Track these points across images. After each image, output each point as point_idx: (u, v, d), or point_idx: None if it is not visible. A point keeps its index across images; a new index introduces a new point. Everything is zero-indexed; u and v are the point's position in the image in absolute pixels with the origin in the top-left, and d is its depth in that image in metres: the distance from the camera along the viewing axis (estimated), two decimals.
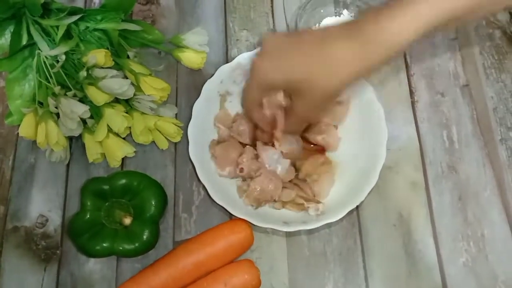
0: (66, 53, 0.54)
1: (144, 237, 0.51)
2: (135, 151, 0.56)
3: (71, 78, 0.54)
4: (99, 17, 0.58)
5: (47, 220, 0.55)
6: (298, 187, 0.54)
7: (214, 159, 0.55)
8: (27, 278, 0.53)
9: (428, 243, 0.54)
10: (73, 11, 0.56)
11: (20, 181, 0.57)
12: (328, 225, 0.54)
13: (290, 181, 0.55)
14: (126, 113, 0.55)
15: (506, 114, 0.60)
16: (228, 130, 0.56)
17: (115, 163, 0.56)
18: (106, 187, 0.52)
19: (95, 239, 0.51)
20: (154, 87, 0.55)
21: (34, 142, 0.54)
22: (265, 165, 0.54)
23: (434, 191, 0.56)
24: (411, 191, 0.56)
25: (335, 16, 0.64)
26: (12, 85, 0.56)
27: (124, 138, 0.56)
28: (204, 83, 0.58)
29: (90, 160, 0.55)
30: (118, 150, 0.55)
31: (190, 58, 0.61)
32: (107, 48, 0.57)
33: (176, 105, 0.60)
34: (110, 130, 0.54)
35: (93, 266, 0.53)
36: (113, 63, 0.55)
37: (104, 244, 0.51)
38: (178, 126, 0.57)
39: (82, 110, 0.52)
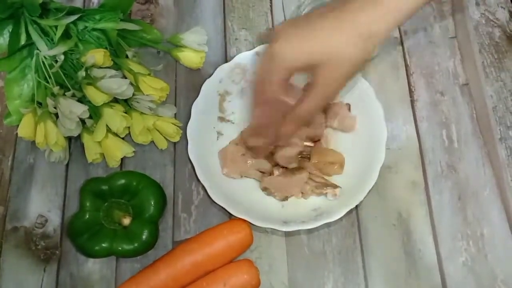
0: (64, 53, 0.54)
1: (143, 237, 0.51)
2: (134, 151, 0.56)
3: (70, 78, 0.54)
4: (97, 17, 0.58)
5: (46, 221, 0.55)
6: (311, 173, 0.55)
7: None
8: (27, 278, 0.53)
9: (427, 243, 0.54)
10: (71, 11, 0.56)
11: (19, 182, 0.57)
12: (328, 225, 0.54)
13: (301, 168, 0.55)
14: (125, 113, 0.55)
15: (506, 113, 0.60)
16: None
17: (114, 163, 0.56)
18: (105, 187, 0.52)
19: (94, 239, 0.51)
20: (153, 87, 0.55)
21: (33, 142, 0.54)
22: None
23: (433, 191, 0.56)
24: (411, 191, 0.56)
25: None
26: (10, 85, 0.56)
27: (123, 138, 0.56)
28: (203, 83, 0.58)
29: (89, 160, 0.55)
30: (117, 150, 0.55)
31: (189, 57, 0.61)
32: (106, 48, 0.56)
33: (175, 105, 0.60)
34: (109, 130, 0.54)
35: (93, 266, 0.53)
36: (111, 63, 0.55)
37: (103, 244, 0.51)
38: (177, 126, 0.57)
39: (81, 110, 0.52)
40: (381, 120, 0.56)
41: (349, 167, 0.56)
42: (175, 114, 0.59)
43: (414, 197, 0.56)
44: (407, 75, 0.62)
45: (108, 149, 0.55)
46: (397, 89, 0.61)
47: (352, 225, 0.55)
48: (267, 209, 0.54)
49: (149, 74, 0.57)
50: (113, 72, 0.54)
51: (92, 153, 0.55)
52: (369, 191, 0.53)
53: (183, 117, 0.58)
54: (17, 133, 0.54)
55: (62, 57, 0.54)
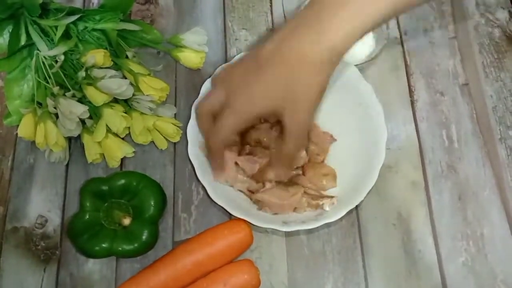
0: (64, 53, 0.54)
1: (143, 237, 0.51)
2: (134, 151, 0.56)
3: (70, 78, 0.54)
4: (97, 17, 0.58)
5: (46, 221, 0.55)
6: (304, 187, 0.54)
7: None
8: (27, 278, 0.53)
9: (427, 243, 0.54)
10: (71, 11, 0.56)
11: (19, 182, 0.57)
12: (328, 225, 0.54)
13: (295, 183, 0.55)
14: (125, 113, 0.55)
15: (506, 113, 0.60)
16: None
17: (114, 164, 0.56)
18: (105, 187, 0.52)
19: (94, 240, 0.51)
20: (153, 87, 0.55)
21: (33, 142, 0.54)
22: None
23: (433, 191, 0.56)
24: (411, 191, 0.56)
25: None
26: (10, 86, 0.56)
27: (123, 138, 0.56)
28: (203, 83, 0.58)
29: (89, 161, 0.55)
30: (117, 150, 0.55)
31: (189, 58, 0.61)
32: (106, 48, 0.56)
33: (175, 105, 0.60)
34: (109, 130, 0.54)
35: (93, 266, 0.53)
36: (111, 63, 0.55)
37: (103, 245, 0.51)
38: (177, 126, 0.57)
39: (81, 110, 0.52)
40: (381, 120, 0.56)
41: (349, 167, 0.55)
42: (175, 114, 0.59)
43: (414, 197, 0.56)
44: (407, 75, 0.62)
45: (108, 149, 0.55)
46: (397, 89, 0.61)
47: (352, 225, 0.55)
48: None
49: (149, 75, 0.57)
50: (113, 72, 0.54)
51: (92, 153, 0.55)
52: (369, 191, 0.53)
53: (183, 118, 0.58)
54: (17, 133, 0.54)
55: (62, 57, 0.54)
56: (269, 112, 0.47)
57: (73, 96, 0.53)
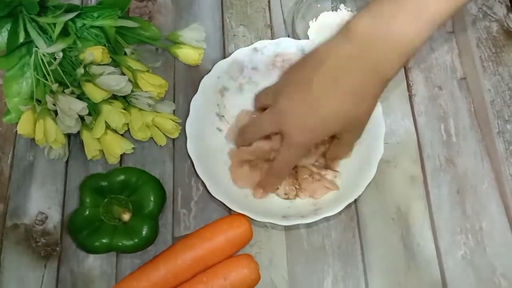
0: (63, 51, 0.54)
1: (143, 233, 0.51)
2: (133, 148, 0.56)
3: (69, 75, 0.54)
4: (95, 14, 0.58)
5: (46, 217, 0.55)
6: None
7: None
8: (27, 275, 0.53)
9: (426, 237, 0.54)
10: (69, 9, 0.56)
11: (19, 179, 0.57)
12: (327, 219, 0.54)
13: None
14: (124, 109, 0.55)
15: (504, 107, 0.60)
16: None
17: (114, 160, 0.56)
18: (104, 183, 0.52)
19: (94, 236, 0.51)
20: (152, 84, 0.55)
21: (33, 139, 0.54)
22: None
23: (432, 185, 0.56)
24: (409, 185, 0.56)
25: (332, 10, 0.64)
26: (9, 83, 0.56)
27: (122, 135, 0.56)
28: (202, 79, 0.58)
29: (89, 157, 0.56)
30: (116, 147, 0.55)
31: (187, 54, 0.61)
32: (104, 45, 0.57)
33: (174, 101, 0.60)
34: (108, 127, 0.54)
35: (93, 262, 0.53)
36: (110, 60, 0.55)
37: (104, 240, 0.51)
38: (176, 122, 0.57)
39: (80, 107, 0.52)
40: (380, 114, 0.56)
41: (347, 162, 0.56)
42: (174, 110, 0.59)
43: (413, 191, 0.56)
44: (405, 69, 0.62)
45: (107, 145, 0.55)
46: (395, 83, 0.61)
47: (351, 219, 0.55)
48: (267, 204, 0.54)
49: (147, 71, 0.57)
50: (111, 69, 0.54)
51: (91, 149, 0.55)
52: (368, 185, 0.53)
53: (182, 114, 0.58)
54: (16, 131, 0.54)
55: (61, 54, 0.54)
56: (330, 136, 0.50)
57: (72, 93, 0.53)
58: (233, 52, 0.59)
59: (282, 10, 0.65)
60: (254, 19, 0.65)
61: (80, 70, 0.53)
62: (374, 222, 0.55)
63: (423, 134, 0.59)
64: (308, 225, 0.54)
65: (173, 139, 0.58)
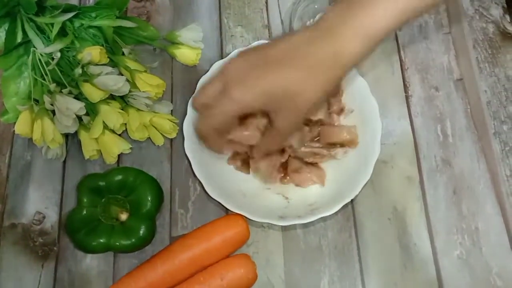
0: (61, 51, 0.54)
1: (141, 232, 0.51)
2: (131, 148, 0.56)
3: (67, 75, 0.54)
4: (93, 14, 0.58)
5: (44, 217, 0.55)
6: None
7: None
8: (25, 274, 0.53)
9: (422, 237, 0.54)
10: (67, 9, 0.56)
11: (17, 179, 0.57)
12: (323, 219, 0.54)
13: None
14: (122, 109, 0.55)
15: (500, 107, 0.60)
16: None
17: (111, 160, 0.56)
18: (102, 183, 0.53)
19: (91, 235, 0.51)
20: (149, 84, 0.56)
21: (30, 139, 0.55)
22: None
23: (428, 185, 0.57)
24: (406, 185, 0.57)
25: None
26: (7, 83, 0.56)
27: (120, 135, 0.57)
28: (199, 79, 0.58)
29: (86, 157, 0.56)
30: (114, 147, 0.55)
31: (185, 54, 0.61)
32: (102, 45, 0.57)
33: (172, 102, 0.60)
34: (105, 126, 0.55)
35: (90, 262, 0.53)
36: (108, 60, 0.55)
37: (101, 240, 0.51)
38: (173, 122, 0.57)
39: (78, 107, 0.52)
40: (376, 115, 0.56)
41: (344, 162, 0.56)
42: (171, 110, 0.59)
43: (409, 191, 0.56)
44: (401, 70, 0.62)
45: (105, 145, 0.55)
46: (392, 84, 0.61)
47: (348, 219, 0.55)
48: (264, 204, 0.54)
49: (145, 71, 0.57)
50: (109, 69, 0.54)
51: (89, 149, 0.55)
52: (364, 185, 0.53)
53: (180, 114, 0.58)
54: (14, 131, 0.55)
55: (59, 54, 0.54)
56: (262, 108, 0.47)
57: (70, 93, 0.54)
58: (230, 52, 0.59)
59: (279, 11, 0.65)
60: (251, 19, 0.65)
61: (78, 70, 0.53)
62: (370, 222, 0.55)
63: (419, 134, 0.59)
64: (305, 225, 0.55)
65: (171, 139, 0.58)
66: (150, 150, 0.58)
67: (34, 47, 0.55)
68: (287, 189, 0.56)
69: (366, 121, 0.56)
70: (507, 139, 0.58)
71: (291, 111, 0.46)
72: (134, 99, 0.56)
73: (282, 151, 0.55)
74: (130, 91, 0.55)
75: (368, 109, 0.57)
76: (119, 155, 0.56)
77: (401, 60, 0.63)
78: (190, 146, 0.55)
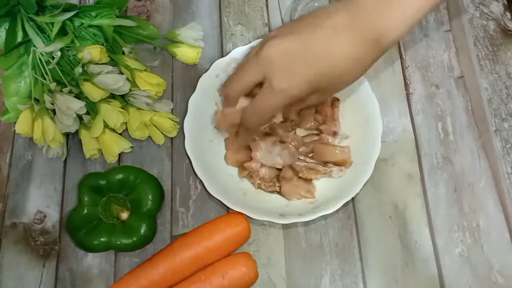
0: (61, 50, 0.54)
1: (142, 231, 0.51)
2: (131, 147, 0.56)
3: (67, 74, 0.54)
4: (93, 14, 0.58)
5: (45, 216, 0.55)
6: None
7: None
8: (26, 273, 0.53)
9: (423, 234, 0.54)
10: (67, 8, 0.57)
11: (18, 178, 0.57)
12: (324, 217, 0.54)
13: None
14: (122, 108, 0.55)
15: (501, 105, 0.60)
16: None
17: (112, 159, 0.56)
18: (103, 182, 0.53)
19: (92, 234, 0.51)
20: (150, 83, 0.56)
21: (31, 138, 0.55)
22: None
23: (429, 183, 0.57)
24: (407, 183, 0.57)
25: None
26: (8, 82, 0.56)
27: (120, 134, 0.57)
28: (200, 78, 0.58)
29: (87, 156, 0.56)
30: (115, 146, 0.55)
31: (185, 53, 0.61)
32: (102, 44, 0.57)
33: (172, 100, 0.60)
34: (106, 125, 0.55)
35: (92, 261, 0.53)
36: (108, 59, 0.55)
37: (102, 239, 0.51)
38: (174, 121, 0.57)
39: (78, 106, 0.52)
40: (377, 113, 0.56)
41: None
42: (172, 109, 0.59)
43: (410, 189, 0.56)
44: (402, 68, 0.62)
45: (105, 144, 0.55)
46: (392, 82, 0.61)
47: (349, 217, 0.55)
48: (264, 202, 0.54)
49: (145, 70, 0.57)
50: (109, 68, 0.54)
51: (89, 148, 0.55)
52: (365, 183, 0.53)
53: (180, 112, 0.58)
54: (15, 130, 0.55)
55: (59, 53, 0.54)
56: (310, 94, 0.46)
57: (70, 92, 0.54)
58: (231, 51, 0.59)
59: (279, 9, 0.65)
60: (252, 18, 0.65)
61: (78, 69, 0.53)
62: (371, 220, 0.55)
63: (420, 132, 0.59)
64: (306, 223, 0.55)
65: (171, 138, 0.58)
66: (150, 149, 0.58)
67: (35, 46, 0.55)
68: None
69: (367, 119, 0.56)
70: (508, 137, 0.58)
71: (328, 93, 0.47)
72: (134, 98, 0.56)
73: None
74: (130, 90, 0.55)
75: (369, 107, 0.56)
76: (119, 154, 0.56)
77: (401, 58, 0.62)
78: (191, 144, 0.55)
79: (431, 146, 0.58)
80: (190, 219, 0.55)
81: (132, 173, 0.53)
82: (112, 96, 0.56)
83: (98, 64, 0.54)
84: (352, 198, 0.54)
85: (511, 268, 0.53)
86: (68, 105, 0.52)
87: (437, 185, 0.57)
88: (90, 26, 0.58)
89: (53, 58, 0.54)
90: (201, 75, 0.58)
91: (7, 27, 0.56)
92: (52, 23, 0.55)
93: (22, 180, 0.57)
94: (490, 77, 0.61)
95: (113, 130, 0.55)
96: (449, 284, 0.53)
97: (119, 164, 0.57)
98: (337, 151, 0.55)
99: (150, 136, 0.58)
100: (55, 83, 0.53)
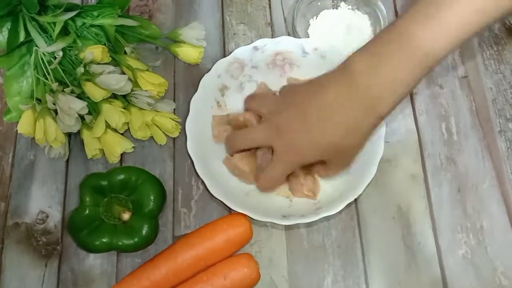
0: (63, 50, 0.54)
1: (144, 232, 0.51)
2: (133, 147, 0.56)
3: (69, 74, 0.54)
4: (95, 13, 0.58)
5: (47, 216, 0.55)
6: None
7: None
8: (28, 273, 0.53)
9: (427, 235, 0.54)
10: (69, 8, 0.56)
11: (20, 178, 0.57)
12: (327, 218, 0.54)
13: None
14: (124, 108, 0.55)
15: (505, 105, 0.59)
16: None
17: (114, 159, 0.56)
18: (104, 182, 0.52)
19: (94, 235, 0.51)
20: (152, 83, 0.55)
21: (33, 139, 0.55)
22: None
23: (433, 183, 0.56)
24: (410, 184, 0.56)
25: (332, 8, 0.64)
26: (10, 82, 0.56)
27: (122, 134, 0.57)
28: (202, 78, 0.58)
29: (89, 156, 0.56)
30: (117, 146, 0.55)
31: (188, 53, 0.61)
32: (104, 44, 0.57)
33: (174, 100, 0.60)
34: (108, 126, 0.54)
35: (93, 261, 0.53)
36: (110, 59, 0.55)
37: (104, 240, 0.51)
38: (176, 121, 0.57)
39: (80, 106, 0.52)
40: None
41: None
42: (174, 109, 0.59)
43: (414, 190, 0.56)
44: None
45: (107, 144, 0.55)
46: None
47: (352, 218, 0.55)
48: (267, 203, 0.54)
49: (147, 70, 0.57)
50: (111, 68, 0.54)
51: (91, 149, 0.55)
52: (368, 184, 0.53)
53: (182, 112, 0.58)
54: (17, 130, 0.55)
55: (61, 53, 0.54)
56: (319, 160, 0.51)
57: (72, 92, 0.54)
58: (233, 50, 0.59)
59: (282, 8, 0.65)
60: (254, 17, 0.65)
61: (80, 69, 0.53)
62: (374, 221, 0.55)
63: (424, 132, 0.59)
64: (308, 224, 0.54)
65: (173, 138, 0.58)
66: (152, 149, 0.58)
67: (37, 46, 0.55)
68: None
69: None
70: None
71: (343, 161, 0.51)
72: (136, 98, 0.56)
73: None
74: (132, 90, 0.55)
75: None
76: (121, 154, 0.56)
77: None
78: (193, 145, 0.55)
79: (435, 146, 0.58)
80: (192, 220, 0.55)
81: (134, 174, 0.53)
82: (114, 96, 0.55)
83: (100, 64, 0.54)
84: (355, 199, 0.53)
85: None
86: (70, 105, 0.52)
87: (441, 185, 0.56)
88: (92, 25, 0.58)
89: (55, 58, 0.54)
90: (203, 75, 0.58)
91: (9, 27, 0.56)
92: (54, 23, 0.55)
93: (24, 180, 0.57)
94: (495, 77, 0.61)
95: (115, 130, 0.55)
96: (452, 286, 0.52)
97: (121, 164, 0.57)
98: (305, 190, 0.54)
99: (152, 136, 0.58)
100: (57, 83, 0.53)
